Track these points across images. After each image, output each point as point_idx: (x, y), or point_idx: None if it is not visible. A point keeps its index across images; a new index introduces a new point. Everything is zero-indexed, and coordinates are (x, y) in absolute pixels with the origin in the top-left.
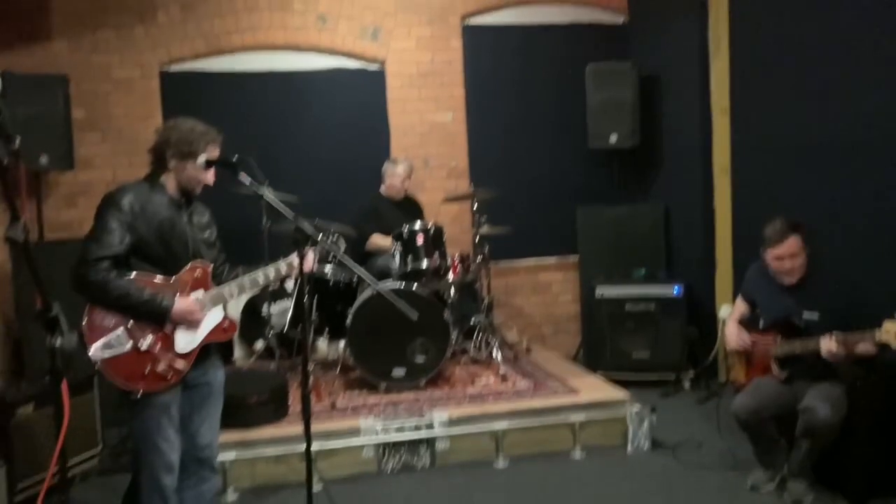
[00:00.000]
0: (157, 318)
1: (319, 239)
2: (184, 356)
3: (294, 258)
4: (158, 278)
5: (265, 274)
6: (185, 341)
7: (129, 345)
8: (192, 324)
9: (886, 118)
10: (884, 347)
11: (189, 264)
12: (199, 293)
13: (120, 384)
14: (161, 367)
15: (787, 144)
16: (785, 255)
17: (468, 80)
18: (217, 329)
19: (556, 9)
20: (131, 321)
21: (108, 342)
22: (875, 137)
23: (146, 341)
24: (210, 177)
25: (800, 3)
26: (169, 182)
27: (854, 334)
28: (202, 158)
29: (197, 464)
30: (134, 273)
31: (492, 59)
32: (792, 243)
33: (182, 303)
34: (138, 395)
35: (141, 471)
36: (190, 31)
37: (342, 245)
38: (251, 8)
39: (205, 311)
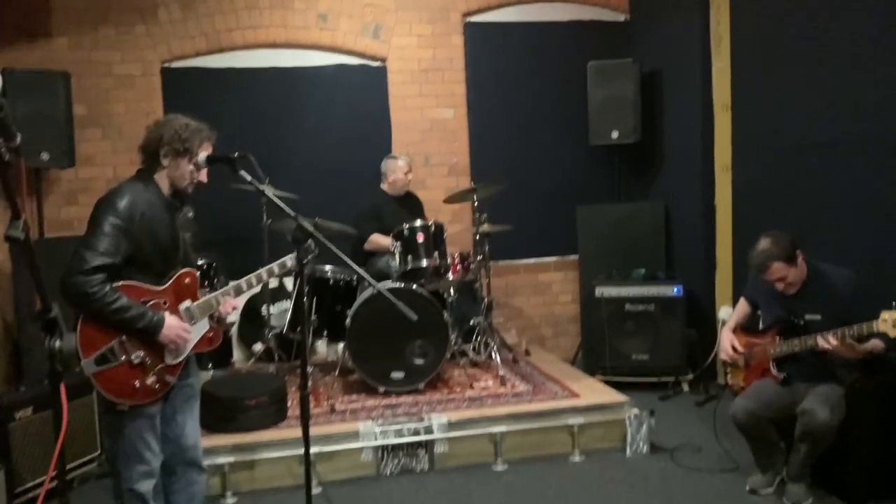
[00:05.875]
0: (148, 333)
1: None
2: (172, 368)
3: (287, 259)
4: (148, 287)
5: (248, 281)
6: (174, 354)
7: (122, 358)
8: (179, 345)
9: (887, 115)
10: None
11: (178, 272)
12: (187, 303)
13: (111, 397)
14: (150, 379)
15: (788, 142)
16: (774, 280)
17: (469, 77)
18: (203, 339)
19: (558, 7)
20: (124, 335)
21: (102, 356)
22: (876, 134)
23: (138, 355)
24: (203, 175)
25: (800, 1)
26: (162, 181)
27: (852, 328)
28: (202, 156)
29: (184, 465)
30: (122, 283)
31: (493, 56)
32: (775, 270)
33: (171, 325)
34: (126, 408)
35: (122, 479)
36: (190, 28)
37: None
38: (251, 6)
39: (193, 325)
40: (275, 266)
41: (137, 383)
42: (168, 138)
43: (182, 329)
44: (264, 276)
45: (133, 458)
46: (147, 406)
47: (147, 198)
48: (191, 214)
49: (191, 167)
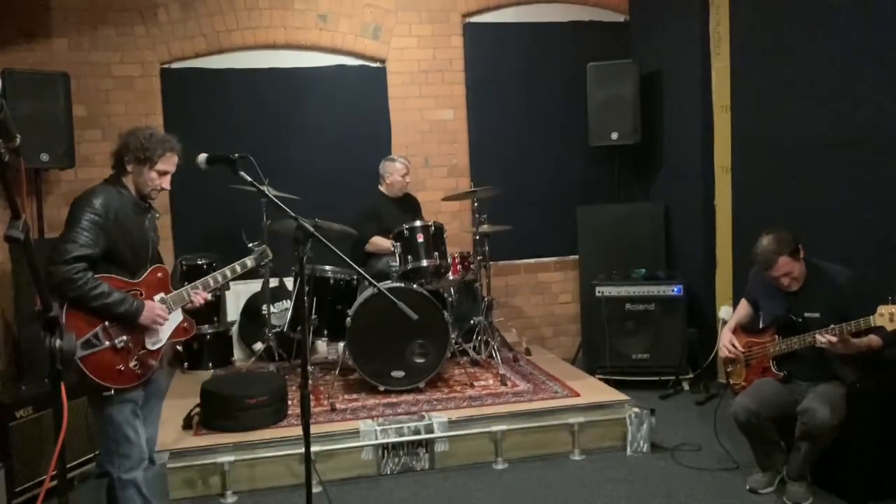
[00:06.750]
0: (129, 318)
1: (255, 255)
2: (153, 354)
3: (248, 260)
4: (125, 280)
5: (214, 278)
6: (153, 340)
7: (106, 343)
8: (159, 325)
9: (886, 116)
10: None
11: (151, 267)
12: (161, 295)
13: (96, 381)
14: (133, 363)
15: (788, 142)
16: (779, 276)
17: (469, 78)
18: (178, 329)
19: (557, 7)
20: (107, 321)
21: (87, 340)
22: (875, 135)
23: (121, 339)
24: (166, 183)
25: (800, 1)
26: (129, 185)
27: (850, 324)
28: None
29: None
30: (101, 275)
31: (493, 57)
32: (782, 265)
33: (150, 305)
34: (111, 392)
35: (115, 467)
36: (190, 29)
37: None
38: (251, 7)
39: (170, 312)
40: (237, 265)
41: (122, 367)
42: (132, 147)
43: (161, 309)
44: (228, 274)
45: (122, 443)
46: (130, 391)
47: (119, 199)
48: (158, 218)
49: (152, 174)
